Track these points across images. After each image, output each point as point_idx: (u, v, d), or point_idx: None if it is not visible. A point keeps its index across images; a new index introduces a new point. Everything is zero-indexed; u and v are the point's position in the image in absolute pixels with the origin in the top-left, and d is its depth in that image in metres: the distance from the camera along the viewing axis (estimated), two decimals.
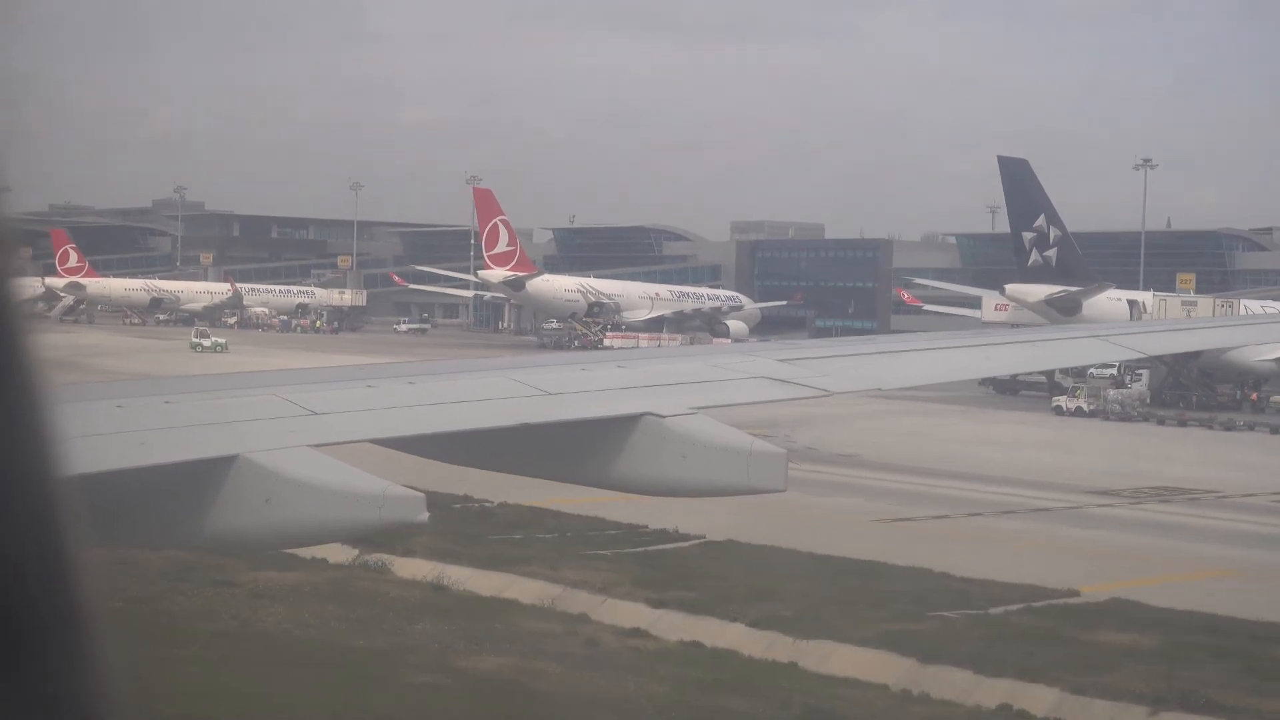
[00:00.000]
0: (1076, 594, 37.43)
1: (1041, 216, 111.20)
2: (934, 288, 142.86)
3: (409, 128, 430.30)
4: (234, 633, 29.79)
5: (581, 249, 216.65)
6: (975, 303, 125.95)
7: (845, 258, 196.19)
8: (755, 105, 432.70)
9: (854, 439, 73.27)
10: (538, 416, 11.90)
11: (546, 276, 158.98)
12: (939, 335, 19.54)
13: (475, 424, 11.86)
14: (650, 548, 42.48)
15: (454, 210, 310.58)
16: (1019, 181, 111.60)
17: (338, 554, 39.85)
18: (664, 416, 11.78)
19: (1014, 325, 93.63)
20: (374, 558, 39.51)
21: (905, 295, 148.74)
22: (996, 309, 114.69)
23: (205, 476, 9.67)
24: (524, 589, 36.54)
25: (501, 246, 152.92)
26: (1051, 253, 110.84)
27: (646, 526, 44.50)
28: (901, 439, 75.29)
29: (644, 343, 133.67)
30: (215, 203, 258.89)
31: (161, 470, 9.68)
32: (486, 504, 47.21)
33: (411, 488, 10.53)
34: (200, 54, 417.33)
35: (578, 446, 12.09)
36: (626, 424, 11.78)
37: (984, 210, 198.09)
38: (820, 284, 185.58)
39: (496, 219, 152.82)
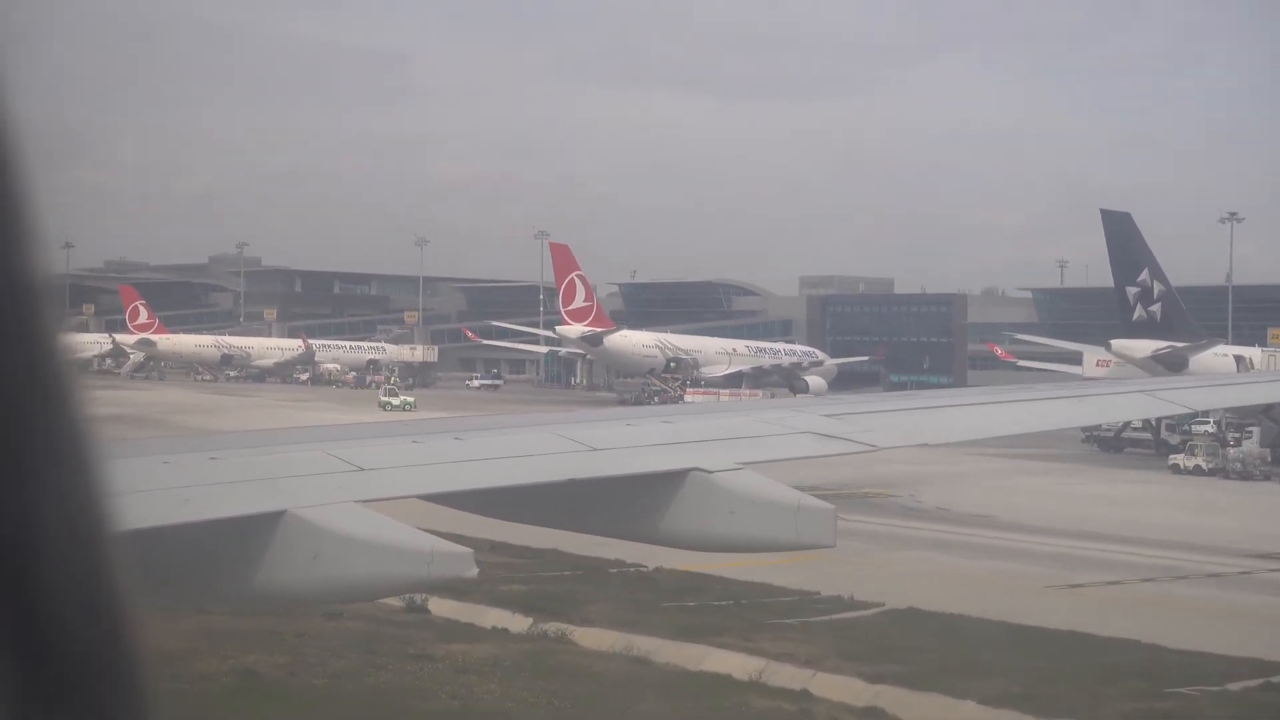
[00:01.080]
0: None
1: (1145, 270, 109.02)
2: (1033, 342, 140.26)
3: (457, 183, 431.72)
4: (458, 712, 28.00)
5: (648, 304, 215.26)
6: (1068, 358, 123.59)
7: (918, 312, 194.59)
8: (796, 159, 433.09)
9: (981, 499, 71.45)
10: (585, 472, 11.85)
11: (624, 332, 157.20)
12: (985, 390, 19.37)
13: (522, 479, 11.87)
14: (834, 616, 40.67)
15: (509, 264, 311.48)
16: (1122, 235, 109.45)
17: (515, 624, 38.47)
18: (711, 472, 11.66)
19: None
20: (552, 627, 38.04)
21: (999, 350, 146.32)
22: (1099, 365, 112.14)
23: (252, 532, 9.56)
24: (725, 661, 34.73)
25: (578, 302, 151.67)
26: (1156, 307, 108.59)
27: (818, 593, 42.88)
28: (1029, 498, 73.26)
29: (725, 398, 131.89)
30: (271, 259, 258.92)
31: (207, 526, 9.55)
32: (642, 568, 45.61)
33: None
34: (243, 112, 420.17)
35: (625, 502, 12.00)
36: (674, 479, 11.71)
37: (1045, 263, 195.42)
38: (894, 339, 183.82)
39: (574, 274, 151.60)
